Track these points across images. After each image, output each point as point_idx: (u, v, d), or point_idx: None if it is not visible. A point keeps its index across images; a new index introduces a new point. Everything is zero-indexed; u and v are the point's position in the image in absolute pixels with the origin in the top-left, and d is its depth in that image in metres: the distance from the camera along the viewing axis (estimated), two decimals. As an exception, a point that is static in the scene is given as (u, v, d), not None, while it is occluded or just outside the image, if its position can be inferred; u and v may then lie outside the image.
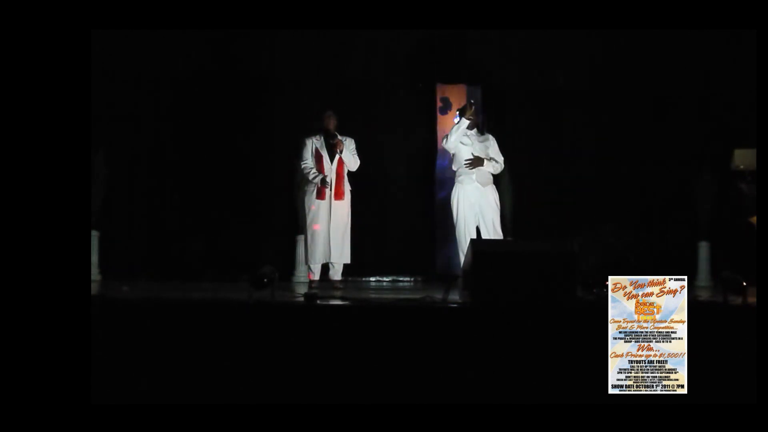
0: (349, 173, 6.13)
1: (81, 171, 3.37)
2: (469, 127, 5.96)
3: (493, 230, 5.87)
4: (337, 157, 6.00)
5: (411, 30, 7.21)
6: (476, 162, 5.89)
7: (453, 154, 6.06)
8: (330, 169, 6.01)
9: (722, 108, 7.40)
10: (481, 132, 6.04)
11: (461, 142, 5.95)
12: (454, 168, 6.09)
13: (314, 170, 6.02)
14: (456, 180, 6.03)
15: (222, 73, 7.56)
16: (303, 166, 6.09)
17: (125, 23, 4.93)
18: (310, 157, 6.06)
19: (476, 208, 5.90)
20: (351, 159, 6.06)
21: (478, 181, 5.92)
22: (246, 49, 7.57)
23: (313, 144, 6.07)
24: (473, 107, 5.98)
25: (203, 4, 5.36)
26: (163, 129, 7.56)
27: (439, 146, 7.79)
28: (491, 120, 6.33)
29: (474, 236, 5.82)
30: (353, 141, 6.13)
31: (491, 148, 6.02)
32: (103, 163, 7.00)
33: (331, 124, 6.08)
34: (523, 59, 7.72)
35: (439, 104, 7.92)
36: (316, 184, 5.99)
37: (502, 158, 6.05)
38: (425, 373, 3.80)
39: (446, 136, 6.02)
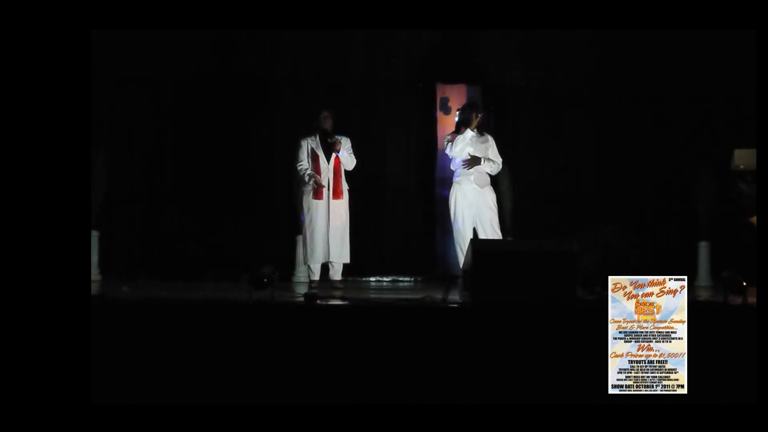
0: (348, 172, 6.13)
1: (81, 171, 3.37)
2: (470, 127, 5.96)
3: (491, 231, 5.86)
4: (333, 156, 5.99)
5: (411, 30, 7.22)
6: (473, 161, 5.88)
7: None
8: (327, 168, 6.00)
9: (722, 108, 7.40)
10: (480, 133, 6.03)
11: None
12: (452, 169, 6.08)
13: (309, 170, 6.01)
14: (454, 181, 6.02)
15: (222, 73, 7.55)
16: (299, 168, 6.08)
17: (125, 23, 4.94)
18: (305, 158, 6.05)
19: (474, 209, 5.89)
20: (347, 158, 6.06)
21: (475, 183, 5.91)
22: (246, 49, 7.57)
23: (309, 144, 6.07)
24: (478, 117, 5.97)
25: (203, 4, 5.36)
26: (163, 129, 7.55)
27: (439, 146, 7.79)
28: (491, 120, 6.31)
29: (471, 237, 5.81)
30: (349, 140, 6.11)
31: (490, 148, 6.01)
32: (103, 163, 6.99)
33: (328, 123, 6.06)
34: (524, 59, 7.73)
35: (438, 104, 7.92)
36: (311, 184, 5.99)
37: (500, 159, 6.03)
38: (425, 373, 3.80)
39: (449, 143, 5.95)
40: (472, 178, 5.92)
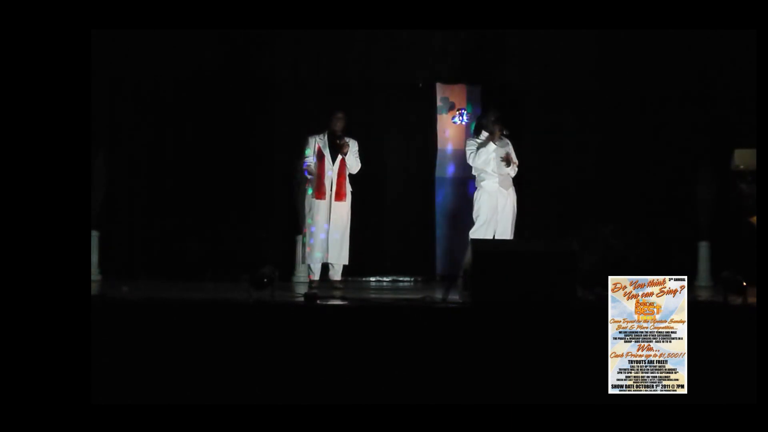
0: (350, 174, 6.11)
1: (81, 171, 3.37)
2: (494, 139, 6.05)
3: (508, 232, 5.94)
4: (339, 158, 5.97)
5: (411, 30, 7.22)
6: (508, 159, 5.95)
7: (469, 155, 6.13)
8: (331, 169, 5.98)
9: (722, 108, 7.40)
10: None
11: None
12: (473, 174, 6.15)
13: (311, 166, 5.99)
14: (478, 183, 6.07)
15: (222, 73, 7.54)
16: (305, 163, 6.05)
17: (125, 23, 4.93)
18: (312, 155, 6.03)
19: (496, 211, 5.95)
20: (353, 161, 6.02)
21: (501, 185, 5.98)
22: (246, 49, 7.56)
23: (316, 143, 6.04)
24: (503, 131, 5.99)
25: (203, 4, 5.36)
26: (163, 129, 7.55)
27: (439, 146, 7.80)
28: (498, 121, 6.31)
29: (489, 238, 5.86)
30: (356, 143, 6.08)
31: (510, 153, 6.05)
32: (103, 163, 6.99)
33: (339, 125, 6.01)
34: (523, 59, 7.72)
35: (439, 104, 7.91)
36: (311, 181, 5.98)
37: (517, 161, 6.10)
38: (425, 373, 3.80)
39: (472, 153, 6.02)
40: (497, 180, 5.96)
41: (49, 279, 3.20)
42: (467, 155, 6.10)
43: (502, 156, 5.96)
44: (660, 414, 3.50)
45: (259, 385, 3.80)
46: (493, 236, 5.92)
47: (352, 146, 6.02)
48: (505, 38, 7.63)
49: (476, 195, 6.07)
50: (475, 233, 5.96)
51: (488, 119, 6.11)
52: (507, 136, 6.11)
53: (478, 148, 5.99)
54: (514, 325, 3.92)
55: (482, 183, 6.02)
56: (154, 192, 7.53)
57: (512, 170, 6.03)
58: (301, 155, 6.11)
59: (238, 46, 7.50)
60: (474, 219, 6.05)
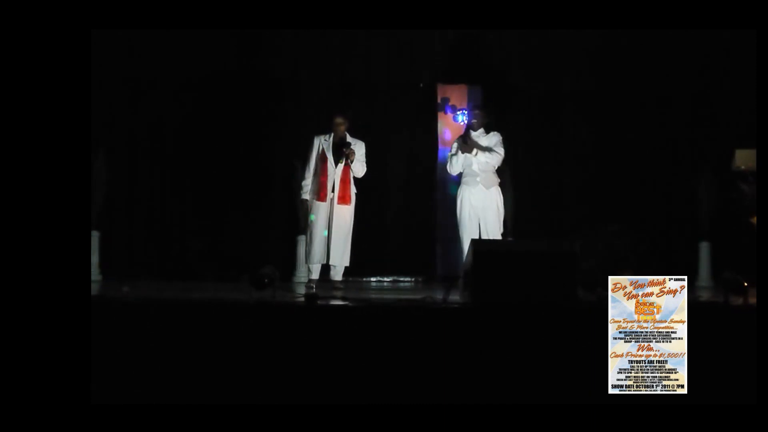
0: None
1: (81, 171, 3.37)
2: (474, 129, 6.07)
3: (493, 232, 5.92)
4: (343, 161, 5.85)
5: (412, 30, 7.22)
6: (464, 148, 5.96)
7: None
8: (334, 172, 5.86)
9: (722, 108, 7.40)
10: (486, 131, 6.07)
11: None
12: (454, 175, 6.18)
13: (305, 195, 5.96)
14: (461, 181, 6.08)
15: (223, 73, 7.55)
16: (304, 178, 5.99)
17: (125, 23, 4.94)
18: (313, 158, 5.97)
19: (479, 210, 5.94)
20: (359, 167, 5.91)
21: (482, 183, 5.97)
22: (247, 49, 7.56)
23: (321, 145, 5.96)
24: (481, 124, 6.05)
25: (204, 5, 5.36)
26: (164, 129, 7.55)
27: (439, 146, 7.80)
28: (494, 119, 6.32)
29: (476, 237, 5.84)
30: (363, 145, 5.96)
31: (495, 145, 6.03)
32: (104, 163, 6.99)
33: (341, 130, 5.90)
34: (524, 59, 7.72)
35: (439, 104, 7.91)
36: (313, 185, 5.95)
37: (503, 150, 6.02)
38: (425, 373, 3.80)
39: (449, 160, 6.13)
40: (478, 179, 5.97)
41: (50, 279, 3.20)
42: (448, 162, 6.20)
43: (467, 149, 5.97)
44: (660, 414, 3.50)
45: (260, 385, 3.80)
46: (479, 236, 5.92)
47: (359, 149, 5.90)
48: (505, 38, 7.64)
49: (458, 193, 6.10)
50: (461, 234, 5.97)
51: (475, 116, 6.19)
52: (489, 128, 6.13)
53: (450, 158, 6.10)
54: (515, 326, 3.92)
55: (463, 180, 6.05)
56: (153, 192, 7.54)
57: (484, 157, 5.95)
58: (303, 155, 6.08)
59: (239, 46, 7.51)
60: (457, 220, 6.07)
